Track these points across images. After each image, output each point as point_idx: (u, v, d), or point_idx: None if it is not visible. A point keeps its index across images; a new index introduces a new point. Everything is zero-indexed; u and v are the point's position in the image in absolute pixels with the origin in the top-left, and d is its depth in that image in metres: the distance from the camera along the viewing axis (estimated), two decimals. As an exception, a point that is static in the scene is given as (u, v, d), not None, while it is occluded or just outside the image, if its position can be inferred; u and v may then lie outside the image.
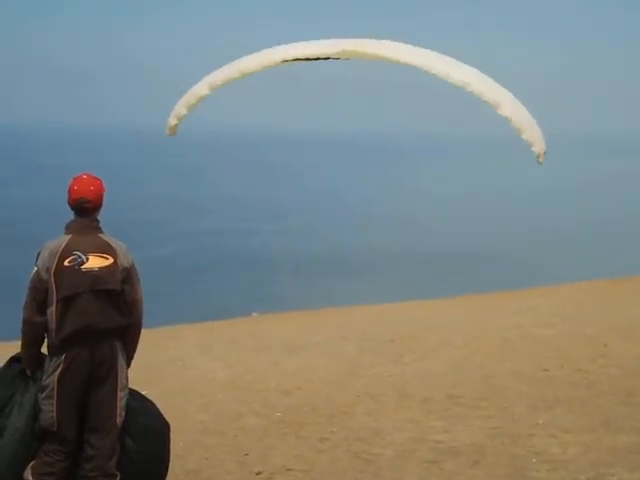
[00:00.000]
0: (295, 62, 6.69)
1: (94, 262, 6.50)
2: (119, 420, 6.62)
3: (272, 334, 16.20)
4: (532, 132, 6.28)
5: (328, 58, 6.67)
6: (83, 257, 6.47)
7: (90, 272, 6.45)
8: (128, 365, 6.82)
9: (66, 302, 6.38)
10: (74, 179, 6.75)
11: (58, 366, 6.39)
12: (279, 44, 6.81)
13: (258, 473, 8.16)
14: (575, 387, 10.84)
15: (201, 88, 6.93)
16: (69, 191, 6.67)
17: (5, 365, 6.93)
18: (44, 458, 6.46)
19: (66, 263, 6.43)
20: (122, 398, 6.64)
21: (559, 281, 24.28)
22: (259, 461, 8.48)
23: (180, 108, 7.07)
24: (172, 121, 7.17)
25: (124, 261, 6.62)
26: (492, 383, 11.15)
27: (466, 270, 31.27)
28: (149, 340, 15.60)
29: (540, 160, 6.35)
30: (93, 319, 6.41)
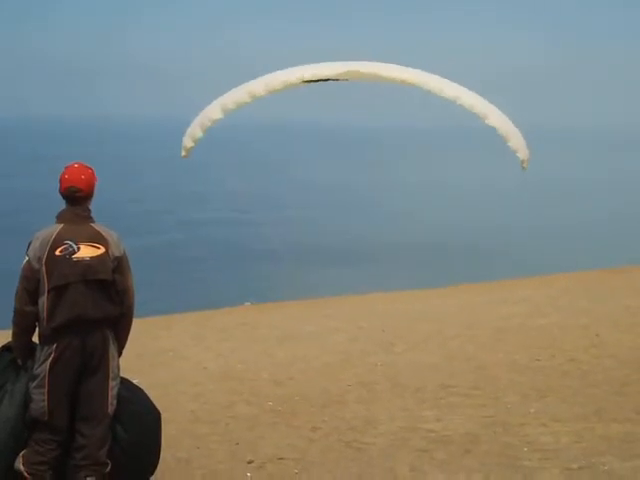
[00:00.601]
0: (301, 84, 7.02)
1: (85, 251, 6.47)
2: (110, 409, 6.58)
3: (264, 324, 16.18)
4: (517, 140, 6.96)
5: (329, 80, 7.10)
6: (74, 246, 6.44)
7: (81, 262, 6.42)
8: (120, 354, 6.78)
9: (57, 292, 6.34)
10: (66, 168, 6.72)
11: (49, 355, 6.34)
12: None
13: (249, 462, 8.13)
14: (568, 377, 10.85)
15: (214, 112, 7.16)
16: (60, 180, 6.65)
17: None
18: (35, 447, 6.42)
19: (57, 252, 6.39)
20: (114, 387, 6.60)
21: (552, 271, 24.29)
22: (250, 450, 8.44)
23: (195, 130, 7.25)
24: (188, 143, 7.33)
25: (115, 250, 6.59)
26: (485, 373, 11.16)
27: (459, 260, 31.22)
28: (141, 329, 15.58)
29: (524, 166, 7.04)
30: (84, 309, 6.37)
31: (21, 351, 6.62)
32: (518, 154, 7.03)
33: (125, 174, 65.97)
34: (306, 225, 42.14)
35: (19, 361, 6.65)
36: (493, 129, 6.89)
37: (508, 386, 10.47)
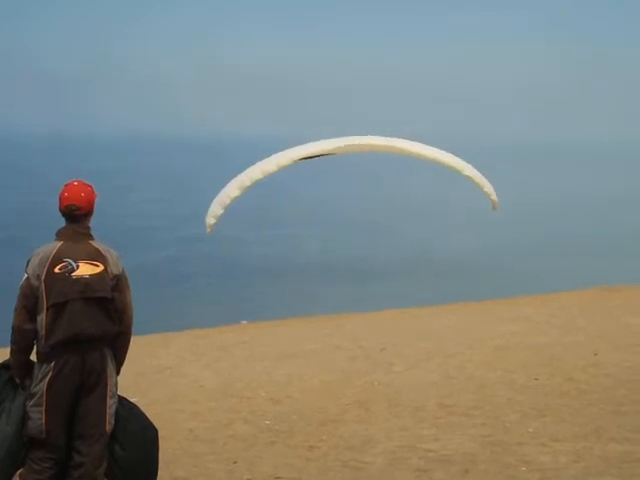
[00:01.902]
0: (306, 160, 7.84)
1: (84, 269, 6.46)
2: (108, 428, 6.53)
3: (263, 342, 16.16)
4: (489, 186, 8.24)
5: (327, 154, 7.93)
6: (73, 264, 6.43)
7: (80, 280, 6.40)
8: (117, 372, 6.74)
9: (56, 309, 6.31)
10: (65, 186, 6.72)
11: (47, 373, 6.30)
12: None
13: (247, 481, 8.11)
14: (566, 396, 10.82)
15: (232, 190, 7.79)
16: (60, 198, 6.65)
17: None
18: (32, 466, 6.37)
19: (56, 270, 6.38)
20: (111, 406, 6.55)
21: (551, 290, 24.27)
22: (248, 469, 8.41)
23: (216, 208, 7.82)
24: (210, 221, 7.88)
25: (114, 268, 6.58)
26: (484, 391, 11.13)
27: (458, 278, 31.22)
28: (139, 347, 15.56)
29: (496, 207, 8.33)
30: (83, 327, 6.34)
31: (19, 369, 6.57)
32: (492, 197, 8.31)
33: (120, 188, 65.95)
34: (304, 243, 42.15)
35: (17, 379, 6.60)
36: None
37: (507, 405, 10.44)
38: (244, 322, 21.01)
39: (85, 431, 6.45)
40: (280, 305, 25.92)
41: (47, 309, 6.32)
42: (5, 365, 6.80)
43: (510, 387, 11.32)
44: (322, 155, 7.87)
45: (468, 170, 8.16)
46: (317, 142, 7.95)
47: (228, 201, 7.77)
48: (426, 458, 8.60)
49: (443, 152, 8.18)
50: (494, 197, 8.30)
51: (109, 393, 6.53)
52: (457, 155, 8.34)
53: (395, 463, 8.48)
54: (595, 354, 13.06)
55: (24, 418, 6.41)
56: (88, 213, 6.70)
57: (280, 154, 7.82)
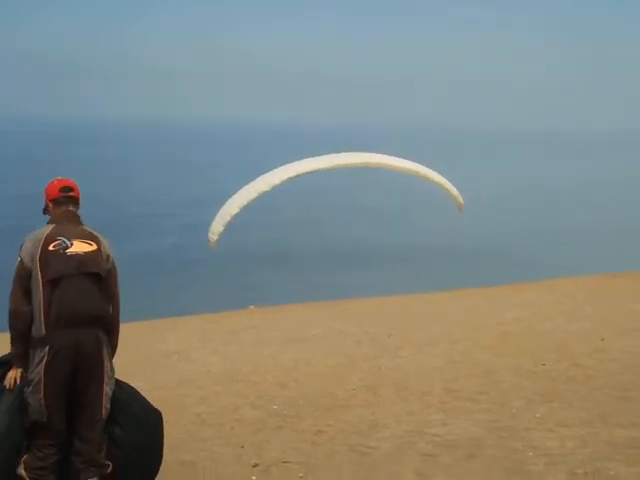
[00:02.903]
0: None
1: (79, 247, 6.50)
2: (104, 412, 6.54)
3: (270, 327, 16.21)
4: (456, 191, 9.04)
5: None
6: (67, 242, 6.48)
7: (75, 256, 6.44)
8: (112, 357, 6.74)
9: (52, 286, 6.33)
10: (50, 182, 6.89)
11: (43, 358, 6.28)
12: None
13: (254, 465, 8.12)
14: (573, 381, 10.82)
15: (232, 208, 8.27)
16: (48, 190, 6.83)
17: None
18: (36, 453, 6.40)
19: (50, 248, 6.42)
20: (108, 391, 6.56)
21: (557, 276, 24.27)
22: (255, 453, 8.44)
23: (218, 226, 8.28)
24: (213, 237, 8.32)
25: (108, 250, 6.67)
26: (490, 377, 11.14)
27: (465, 264, 31.23)
28: (146, 332, 15.68)
29: (462, 209, 9.12)
30: (79, 304, 6.36)
31: (21, 358, 6.53)
32: (459, 200, 9.17)
33: (125, 176, 65.96)
34: (310, 228, 42.12)
35: (18, 366, 6.55)
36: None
37: (513, 391, 10.44)
38: (252, 307, 21.07)
39: (83, 416, 6.47)
40: (287, 290, 25.96)
41: (43, 285, 6.33)
42: (2, 362, 6.80)
43: (516, 373, 11.32)
44: (307, 174, 8.55)
45: (437, 177, 9.07)
46: (314, 158, 8.72)
47: (228, 218, 8.23)
48: (433, 443, 8.61)
49: (415, 163, 9.08)
50: (460, 200, 9.22)
51: (105, 377, 6.52)
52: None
53: (402, 447, 8.50)
54: (602, 339, 13.07)
55: (23, 405, 6.41)
56: (78, 198, 6.85)
57: (271, 173, 8.48)
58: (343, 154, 8.88)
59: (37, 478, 6.38)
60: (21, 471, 6.39)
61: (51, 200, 6.79)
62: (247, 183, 8.76)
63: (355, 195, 56.73)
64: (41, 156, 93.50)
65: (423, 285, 24.19)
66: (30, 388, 6.34)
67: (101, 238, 6.69)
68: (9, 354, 6.72)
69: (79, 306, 6.35)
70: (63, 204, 6.76)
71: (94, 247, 6.57)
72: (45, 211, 6.86)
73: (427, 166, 9.19)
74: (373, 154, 9.03)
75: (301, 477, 7.86)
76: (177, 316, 19.23)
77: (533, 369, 11.49)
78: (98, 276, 6.51)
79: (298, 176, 8.43)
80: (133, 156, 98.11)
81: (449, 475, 7.73)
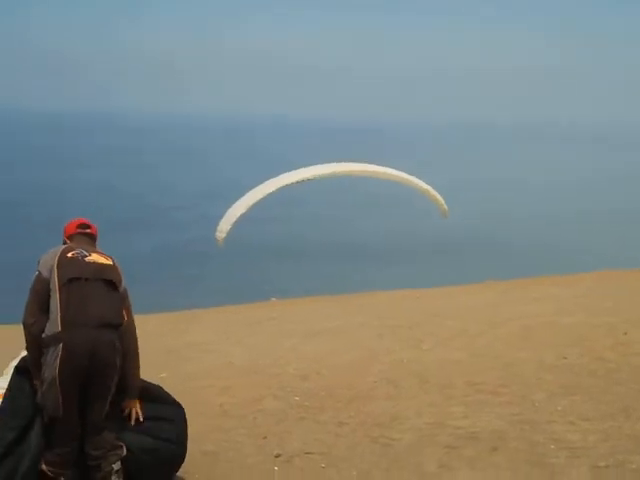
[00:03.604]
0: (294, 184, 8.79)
1: (96, 257, 6.71)
2: (107, 408, 6.63)
3: (291, 319, 16.24)
4: (440, 198, 9.45)
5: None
6: (85, 252, 6.69)
7: (93, 263, 6.62)
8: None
9: (70, 286, 6.41)
10: (70, 221, 7.21)
11: (57, 356, 6.30)
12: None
13: (277, 456, 8.17)
14: (595, 375, 10.78)
15: (238, 209, 8.50)
16: (68, 226, 7.11)
17: (14, 375, 6.90)
18: (54, 449, 6.49)
19: (69, 255, 6.59)
20: (112, 394, 6.65)
21: (579, 269, 24.19)
22: (278, 444, 8.49)
23: (225, 225, 8.49)
24: (220, 235, 8.52)
25: (122, 276, 6.83)
26: (512, 370, 11.11)
27: (486, 257, 31.20)
28: (169, 324, 15.75)
29: (446, 215, 9.55)
30: (97, 305, 6.44)
31: (35, 366, 6.60)
32: (443, 207, 9.58)
33: (141, 170, 66.11)
34: (331, 222, 42.17)
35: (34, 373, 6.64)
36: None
37: (535, 384, 10.42)
38: (273, 299, 21.14)
39: (91, 419, 6.56)
40: (307, 283, 26.02)
41: (60, 288, 6.40)
42: (20, 367, 6.87)
43: (538, 366, 11.29)
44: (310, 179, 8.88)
45: (424, 185, 9.57)
46: (316, 166, 9.08)
47: (234, 219, 8.47)
48: (455, 435, 8.63)
49: (399, 172, 9.52)
50: (445, 207, 9.64)
51: (112, 383, 6.59)
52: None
53: (424, 440, 8.52)
54: (625, 333, 13.01)
55: (40, 404, 6.49)
56: (95, 236, 7.12)
57: (276, 178, 8.75)
58: (332, 164, 9.31)
59: (56, 472, 6.49)
60: (42, 466, 6.49)
61: (68, 236, 7.04)
62: (262, 175, 9.04)
63: (375, 188, 56.68)
64: (46, 145, 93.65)
65: (443, 278, 24.18)
66: (45, 386, 6.38)
67: (117, 263, 6.86)
68: (25, 358, 6.81)
69: (97, 309, 6.44)
70: (79, 241, 6.98)
71: (110, 262, 6.77)
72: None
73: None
74: (368, 165, 9.42)
75: (323, 468, 7.91)
76: (199, 308, 19.31)
77: (555, 363, 11.45)
78: (114, 285, 6.65)
79: (298, 182, 8.81)
80: (150, 147, 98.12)
81: (472, 467, 7.75)
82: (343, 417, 9.35)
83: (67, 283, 6.40)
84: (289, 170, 9.09)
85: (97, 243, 7.14)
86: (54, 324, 6.35)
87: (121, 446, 6.66)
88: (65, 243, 7.01)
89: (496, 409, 9.45)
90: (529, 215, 44.35)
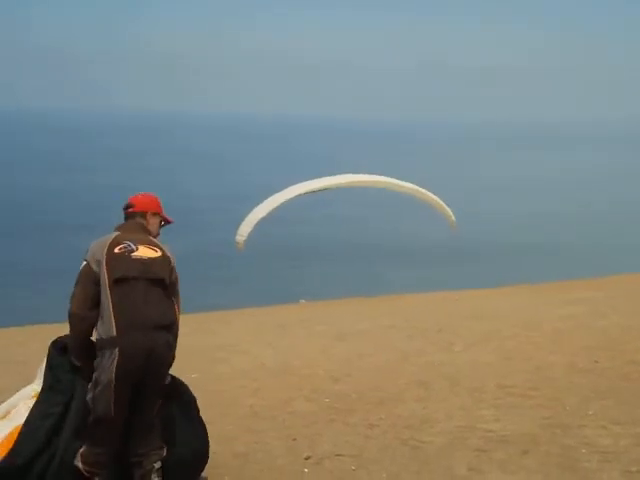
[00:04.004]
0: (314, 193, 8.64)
1: (144, 252, 6.53)
2: (155, 411, 6.59)
3: (321, 321, 16.25)
4: (448, 210, 9.10)
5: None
6: (133, 246, 6.51)
7: (140, 259, 6.45)
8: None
9: (118, 287, 6.31)
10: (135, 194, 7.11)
11: (113, 360, 6.22)
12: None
13: (307, 458, 8.18)
14: (627, 379, 10.72)
15: (259, 212, 8.27)
16: (131, 200, 7.04)
17: (51, 350, 6.83)
18: (93, 448, 6.40)
19: (116, 250, 6.44)
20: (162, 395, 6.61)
21: (612, 272, 24.05)
22: (308, 446, 8.49)
23: (244, 229, 8.26)
24: (240, 239, 8.30)
25: (172, 259, 6.70)
26: (543, 373, 11.07)
27: (517, 260, 31.08)
28: (199, 325, 15.80)
29: (454, 227, 9.10)
30: (149, 307, 6.34)
31: (80, 355, 6.57)
32: (452, 218, 9.25)
33: (170, 170, 66.31)
34: (359, 224, 42.14)
35: (76, 363, 6.61)
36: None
37: (567, 387, 10.38)
38: (303, 301, 21.17)
39: (139, 421, 6.50)
40: (337, 285, 26.02)
41: (110, 288, 6.31)
42: (58, 343, 6.81)
43: (570, 369, 11.24)
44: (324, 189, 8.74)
45: (432, 196, 9.22)
46: (324, 178, 8.83)
47: (255, 221, 8.32)
48: (485, 438, 8.60)
49: (410, 184, 9.22)
50: (453, 218, 9.32)
51: (167, 382, 6.61)
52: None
53: (454, 442, 8.50)
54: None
55: (87, 405, 6.40)
56: (142, 213, 6.93)
57: (298, 185, 8.61)
58: (351, 175, 9.10)
59: (92, 471, 6.41)
60: (78, 463, 6.42)
61: (127, 213, 6.99)
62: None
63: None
64: (59, 147, 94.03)
65: (474, 281, 24.11)
66: (99, 388, 6.28)
67: (165, 247, 6.75)
68: (65, 337, 6.73)
69: (149, 310, 6.35)
70: (130, 218, 6.93)
71: (159, 254, 6.61)
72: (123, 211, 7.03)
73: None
74: (378, 176, 9.16)
75: (353, 470, 7.90)
76: (229, 309, 19.37)
77: (587, 366, 11.39)
78: (163, 282, 6.52)
79: (316, 192, 8.69)
80: (168, 148, 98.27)
81: (503, 471, 7.72)
82: (373, 419, 9.34)
83: (115, 283, 6.31)
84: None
85: (153, 221, 6.98)
86: (108, 327, 6.27)
87: (163, 446, 6.62)
88: (124, 221, 6.92)
89: (527, 412, 9.42)
90: (557, 216, 44.12)
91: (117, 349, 6.20)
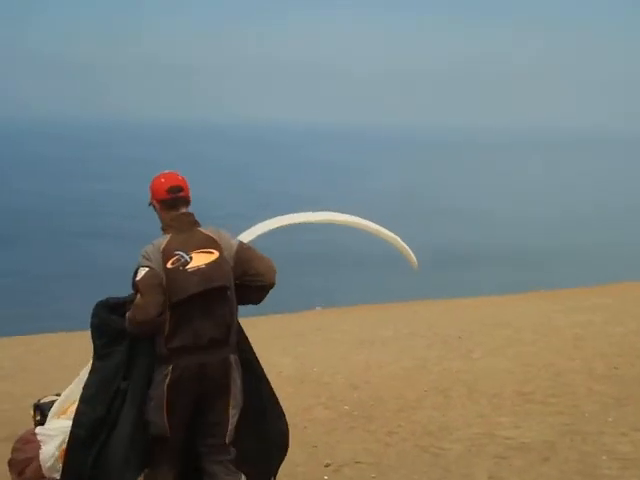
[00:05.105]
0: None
1: (198, 260, 5.94)
2: (227, 441, 6.11)
3: (338, 328, 16.26)
4: (408, 248, 8.45)
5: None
6: (186, 256, 5.91)
7: (197, 271, 5.89)
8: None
9: (177, 309, 5.85)
10: (155, 177, 6.24)
11: (166, 376, 5.88)
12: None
13: (327, 465, 8.21)
14: (646, 386, 10.70)
15: (259, 229, 7.81)
16: (154, 188, 6.18)
17: (101, 313, 6.15)
18: (156, 471, 6.07)
19: (169, 265, 5.87)
20: (234, 415, 6.12)
21: (630, 279, 23.97)
22: (328, 453, 8.53)
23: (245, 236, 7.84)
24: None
25: (230, 250, 6.06)
26: (562, 380, 11.07)
27: (535, 266, 31.01)
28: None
29: (416, 266, 8.45)
30: (203, 329, 5.89)
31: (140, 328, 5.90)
32: (413, 257, 8.51)
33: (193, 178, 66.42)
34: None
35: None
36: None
37: (586, 394, 10.37)
38: (318, 308, 21.17)
39: (205, 442, 6.13)
40: (353, 291, 26.04)
41: (169, 309, 5.86)
42: (112, 306, 6.19)
43: (589, 376, 11.23)
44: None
45: (388, 233, 8.63)
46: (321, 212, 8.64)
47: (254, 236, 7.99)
48: (505, 445, 8.61)
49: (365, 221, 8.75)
50: (413, 258, 8.62)
51: (232, 403, 6.09)
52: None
53: (474, 450, 8.52)
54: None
55: (144, 420, 5.99)
56: (189, 197, 6.22)
57: (302, 214, 8.32)
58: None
59: None
60: None
61: (158, 201, 6.16)
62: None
63: (426, 197, 56.58)
64: (75, 157, 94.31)
65: (492, 288, 24.08)
66: (152, 404, 5.95)
67: (220, 239, 6.09)
68: (127, 297, 6.14)
69: (205, 330, 5.90)
70: (172, 207, 6.12)
71: (215, 255, 5.99)
72: (150, 205, 6.23)
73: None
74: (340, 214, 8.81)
75: (373, 477, 7.94)
76: (244, 317, 19.38)
77: (606, 373, 11.38)
78: (223, 288, 5.98)
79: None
80: (176, 156, 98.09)
81: (522, 478, 7.74)
82: (393, 426, 9.37)
83: (173, 307, 5.85)
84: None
85: (190, 203, 6.22)
86: (162, 343, 5.90)
87: (231, 453, 6.18)
88: (153, 206, 6.21)
89: (546, 419, 9.42)
90: (580, 224, 44.01)
91: (170, 367, 5.89)
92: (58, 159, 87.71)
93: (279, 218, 7.91)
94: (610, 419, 9.35)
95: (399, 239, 8.36)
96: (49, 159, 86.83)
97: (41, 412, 6.96)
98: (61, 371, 12.91)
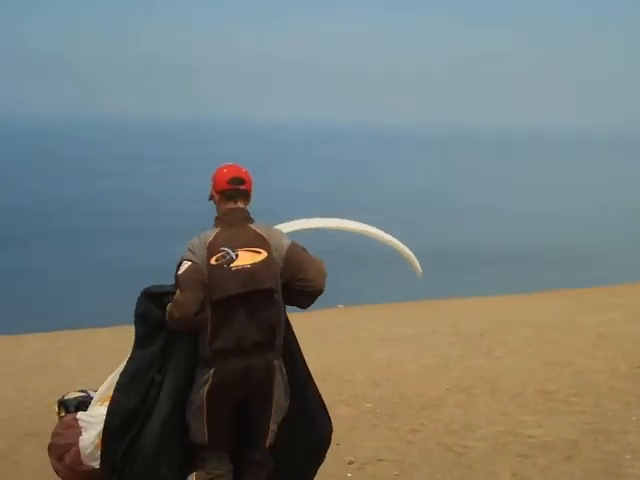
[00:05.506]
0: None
1: (244, 259, 5.73)
2: (268, 442, 6.00)
3: (361, 326, 16.28)
4: (411, 254, 8.30)
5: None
6: (232, 254, 5.72)
7: (241, 271, 5.69)
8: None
9: (218, 309, 5.70)
10: (218, 168, 6.08)
11: (207, 380, 5.74)
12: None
13: (350, 463, 8.24)
14: (670, 385, 10.68)
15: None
16: (217, 176, 6.02)
17: (145, 302, 6.02)
18: (204, 474, 5.89)
19: (213, 261, 5.69)
20: (275, 422, 5.98)
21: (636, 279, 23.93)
22: (350, 451, 8.54)
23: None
24: None
25: (281, 250, 5.86)
26: (584, 379, 11.05)
27: (556, 265, 30.89)
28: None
29: (420, 274, 8.20)
30: (249, 327, 5.72)
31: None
32: (417, 264, 8.37)
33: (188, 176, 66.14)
34: (399, 228, 42.02)
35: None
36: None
37: (608, 393, 10.36)
38: (340, 306, 21.17)
39: (247, 447, 6.03)
40: (375, 290, 26.02)
41: (210, 307, 5.71)
42: (155, 295, 6.00)
43: (611, 375, 11.21)
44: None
45: (391, 239, 8.49)
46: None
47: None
48: (528, 444, 8.62)
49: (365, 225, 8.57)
50: (417, 265, 8.48)
51: (274, 407, 5.93)
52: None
53: (497, 448, 8.52)
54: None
55: (186, 423, 5.88)
56: (250, 192, 6.06)
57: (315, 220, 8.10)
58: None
59: None
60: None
61: (218, 191, 5.98)
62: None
63: (449, 195, 56.42)
64: (74, 154, 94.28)
65: (514, 287, 24.03)
66: (192, 408, 5.83)
67: (271, 237, 5.90)
68: (170, 287, 5.94)
69: (249, 332, 5.73)
70: (231, 199, 5.94)
71: (263, 255, 5.78)
72: (211, 198, 6.07)
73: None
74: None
75: (396, 475, 7.95)
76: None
77: (628, 372, 11.37)
78: (269, 291, 5.78)
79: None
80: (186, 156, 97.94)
81: (546, 477, 7.74)
82: (415, 424, 9.37)
83: (214, 305, 5.70)
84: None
85: (251, 200, 6.07)
86: (204, 344, 5.76)
87: (270, 465, 6.08)
88: (212, 199, 6.04)
89: (569, 418, 9.41)
90: (600, 223, 43.80)
91: (212, 370, 5.74)
92: (58, 159, 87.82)
93: (293, 222, 7.90)
94: (634, 418, 9.34)
95: (407, 248, 8.31)
96: (49, 159, 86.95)
97: (65, 408, 7.01)
98: (86, 367, 13.03)
